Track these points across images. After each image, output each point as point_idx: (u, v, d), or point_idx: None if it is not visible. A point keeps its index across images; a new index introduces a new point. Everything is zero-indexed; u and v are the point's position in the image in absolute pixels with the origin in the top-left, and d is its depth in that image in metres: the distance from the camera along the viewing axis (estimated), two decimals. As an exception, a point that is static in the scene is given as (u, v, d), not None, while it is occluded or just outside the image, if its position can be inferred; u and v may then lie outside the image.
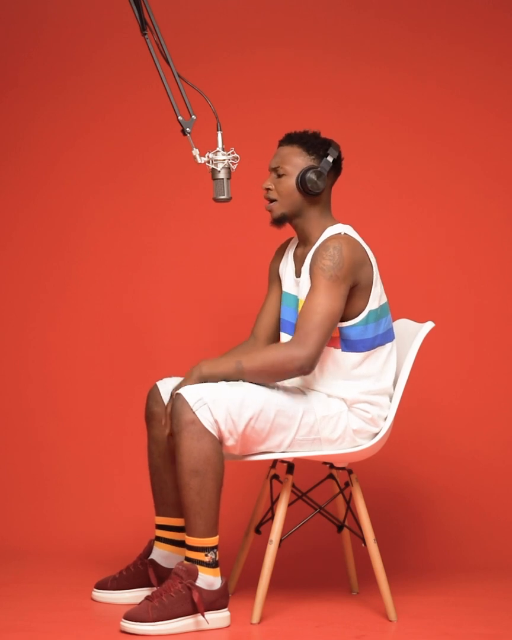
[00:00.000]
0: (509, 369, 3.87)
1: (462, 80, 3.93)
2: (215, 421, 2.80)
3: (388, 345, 3.00)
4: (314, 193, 2.96)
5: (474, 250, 3.91)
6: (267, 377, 2.88)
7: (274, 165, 3.01)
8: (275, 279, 3.18)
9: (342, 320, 2.92)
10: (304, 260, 3.02)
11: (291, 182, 2.99)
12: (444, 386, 3.88)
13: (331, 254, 2.87)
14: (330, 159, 2.98)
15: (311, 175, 2.95)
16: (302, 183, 2.96)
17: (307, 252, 3.00)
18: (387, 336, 3.00)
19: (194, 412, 2.79)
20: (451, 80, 3.93)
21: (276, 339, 3.15)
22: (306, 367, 2.84)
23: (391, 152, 3.93)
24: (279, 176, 3.00)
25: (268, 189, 3.01)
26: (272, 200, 3.01)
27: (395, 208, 3.93)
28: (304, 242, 3.04)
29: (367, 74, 3.93)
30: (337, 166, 3.03)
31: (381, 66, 3.93)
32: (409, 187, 3.93)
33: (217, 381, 2.86)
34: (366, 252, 2.94)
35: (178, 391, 2.84)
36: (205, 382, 2.86)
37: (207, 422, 2.79)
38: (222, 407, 2.81)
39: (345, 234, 2.93)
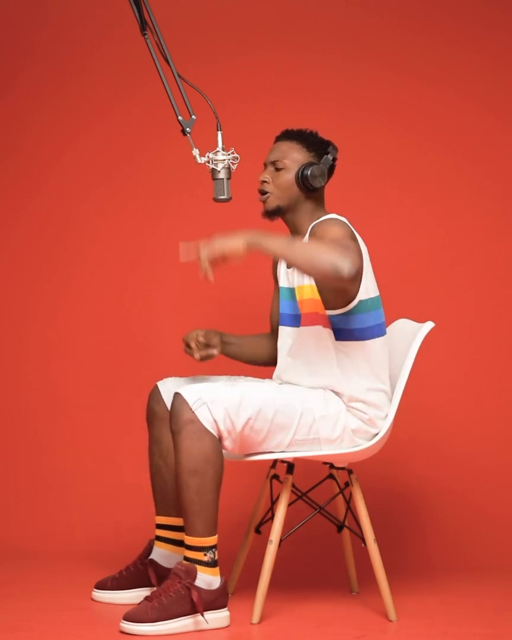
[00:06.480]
0: (509, 369, 3.87)
1: (462, 80, 3.92)
2: (214, 421, 2.80)
3: (380, 340, 2.99)
4: (313, 189, 2.97)
5: (473, 250, 3.90)
6: (309, 269, 2.71)
7: (272, 159, 3.01)
8: (276, 274, 3.20)
9: (334, 308, 2.91)
10: None
11: (289, 176, 2.99)
12: (444, 386, 3.87)
13: (331, 224, 2.86)
14: (330, 157, 3.00)
15: (314, 171, 2.96)
16: (302, 178, 2.96)
17: None
18: (380, 330, 2.99)
19: (193, 412, 2.79)
20: (450, 81, 3.92)
21: None
22: (351, 274, 2.66)
23: (390, 152, 3.92)
24: (277, 170, 3.00)
25: (264, 182, 3.01)
26: (265, 193, 3.01)
27: (394, 208, 3.93)
28: (295, 235, 3.04)
29: (367, 74, 3.93)
30: (332, 167, 3.04)
31: (381, 66, 3.93)
32: (408, 187, 3.93)
33: (263, 252, 2.71)
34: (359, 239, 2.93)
35: (177, 391, 2.84)
36: (252, 248, 2.71)
37: (206, 421, 2.79)
38: (221, 406, 2.80)
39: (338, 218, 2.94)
